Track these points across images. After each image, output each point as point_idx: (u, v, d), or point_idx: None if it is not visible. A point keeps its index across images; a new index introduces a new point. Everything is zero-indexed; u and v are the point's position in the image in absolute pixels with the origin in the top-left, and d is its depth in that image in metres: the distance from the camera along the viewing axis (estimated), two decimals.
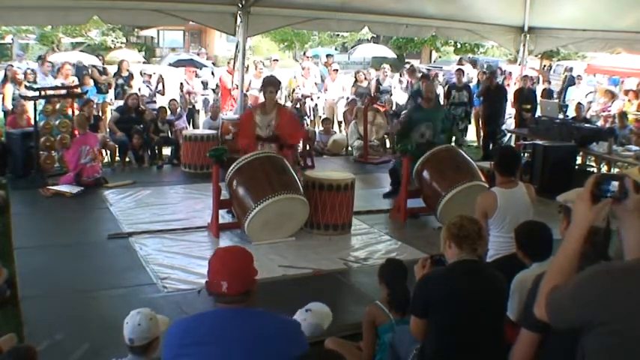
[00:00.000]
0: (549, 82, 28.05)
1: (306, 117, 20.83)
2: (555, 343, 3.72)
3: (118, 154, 16.23)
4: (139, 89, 19.04)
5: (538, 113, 19.10)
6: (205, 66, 31.03)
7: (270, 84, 11.86)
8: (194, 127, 19.21)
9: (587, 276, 2.97)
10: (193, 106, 20.51)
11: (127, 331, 5.18)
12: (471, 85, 23.12)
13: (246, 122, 11.93)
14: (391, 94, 22.40)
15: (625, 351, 2.81)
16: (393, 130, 17.42)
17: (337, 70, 23.25)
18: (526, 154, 15.60)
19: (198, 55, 38.57)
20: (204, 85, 22.86)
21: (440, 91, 21.07)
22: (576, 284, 2.99)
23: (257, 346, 3.88)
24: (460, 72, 21.28)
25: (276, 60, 24.72)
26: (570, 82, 27.27)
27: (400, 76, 24.65)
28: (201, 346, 3.85)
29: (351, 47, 55.46)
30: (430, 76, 22.67)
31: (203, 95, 21.96)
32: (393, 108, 20.79)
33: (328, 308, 6.13)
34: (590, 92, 25.32)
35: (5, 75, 17.97)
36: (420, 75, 22.79)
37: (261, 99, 12.94)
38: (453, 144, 14.00)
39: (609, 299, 2.81)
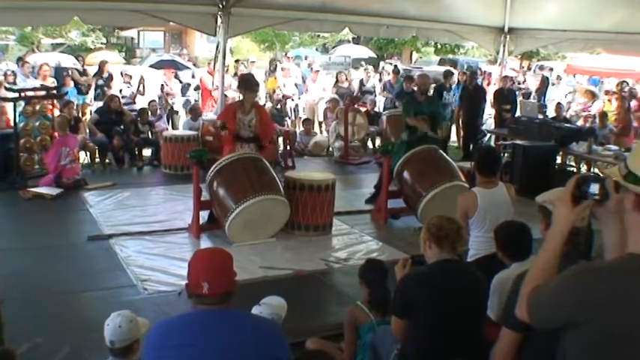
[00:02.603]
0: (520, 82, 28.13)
1: (286, 117, 20.86)
2: (536, 344, 3.73)
3: (98, 156, 16.15)
4: (120, 90, 19.00)
5: (518, 113, 19.16)
6: (187, 67, 30.99)
7: (255, 84, 11.88)
8: (173, 128, 19.15)
9: (569, 275, 2.96)
10: (172, 107, 20.47)
11: (107, 333, 5.16)
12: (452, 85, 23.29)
13: (231, 116, 11.60)
14: (375, 95, 22.50)
15: (606, 350, 2.81)
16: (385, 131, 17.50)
17: (318, 71, 23.32)
18: (506, 154, 15.64)
19: (179, 55, 38.49)
20: (185, 86, 22.87)
21: None
22: (558, 283, 2.99)
23: (238, 347, 3.88)
24: (448, 73, 21.36)
25: (253, 62, 24.71)
26: (547, 82, 27.40)
27: (380, 76, 24.75)
28: (182, 348, 3.84)
29: (332, 48, 55.45)
30: (412, 76, 22.68)
31: (185, 97, 21.98)
32: (375, 109, 20.86)
33: (281, 299, 6.13)
34: (570, 92, 25.41)
35: None
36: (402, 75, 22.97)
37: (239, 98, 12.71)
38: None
39: (591, 298, 2.80)
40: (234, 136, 11.33)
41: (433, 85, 21.13)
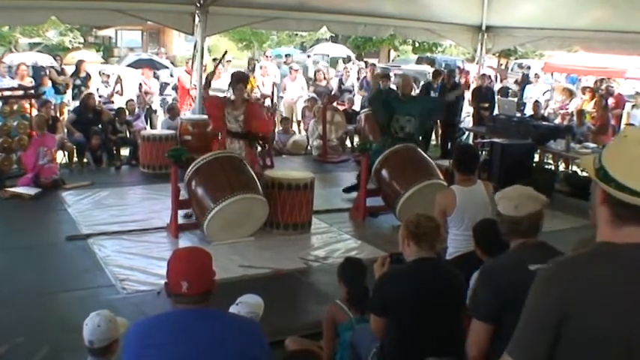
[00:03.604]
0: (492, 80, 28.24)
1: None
2: (510, 335, 3.70)
3: (75, 155, 16.08)
4: (97, 89, 18.94)
5: (496, 111, 19.21)
6: (165, 67, 30.91)
7: (240, 80, 11.97)
8: (152, 128, 19.10)
9: (541, 282, 2.91)
10: (150, 107, 20.41)
11: (86, 333, 5.14)
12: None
13: (217, 107, 11.91)
14: (353, 94, 22.52)
15: (593, 345, 2.76)
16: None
17: (298, 70, 23.30)
18: (484, 152, 15.66)
19: (157, 54, 38.37)
20: (163, 86, 22.80)
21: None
22: (532, 301, 2.91)
23: (218, 346, 3.87)
24: (437, 73, 21.39)
25: (229, 61, 24.60)
26: (527, 80, 27.52)
27: (358, 74, 24.77)
28: (162, 347, 3.83)
29: (310, 47, 55.47)
30: (388, 74, 22.74)
31: (163, 96, 21.92)
32: (353, 107, 20.90)
33: (258, 297, 6.12)
34: (548, 90, 25.51)
35: None
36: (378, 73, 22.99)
37: (230, 96, 12.82)
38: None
39: (574, 291, 2.75)
40: (225, 131, 11.62)
41: (422, 83, 21.27)
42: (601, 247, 2.80)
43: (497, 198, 4.84)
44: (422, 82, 23.98)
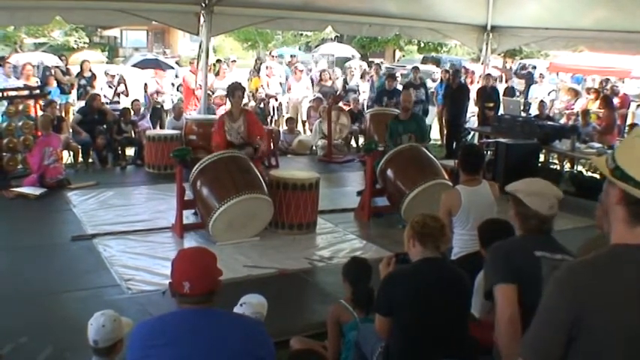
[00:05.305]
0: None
1: (269, 117, 20.93)
2: None
3: (81, 155, 16.08)
4: (101, 89, 18.94)
5: (501, 111, 19.20)
6: (171, 67, 30.92)
7: (237, 89, 12.22)
8: (161, 127, 19.07)
9: (555, 284, 2.89)
10: (162, 106, 20.41)
11: (91, 332, 5.15)
12: (435, 83, 23.31)
13: (219, 128, 12.17)
14: (358, 94, 22.52)
15: (596, 350, 2.76)
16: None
17: (302, 70, 23.29)
18: (489, 152, 15.63)
19: (164, 54, 38.41)
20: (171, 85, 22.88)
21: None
22: (546, 301, 2.91)
23: (221, 346, 3.87)
24: (416, 70, 21.46)
25: (234, 61, 24.59)
26: (531, 80, 27.51)
27: (362, 75, 24.76)
28: (166, 348, 3.83)
29: (315, 47, 55.43)
30: (394, 75, 22.76)
31: (170, 95, 21.96)
32: (358, 107, 20.89)
33: (261, 296, 6.12)
34: (553, 90, 25.48)
35: None
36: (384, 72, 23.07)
37: (227, 105, 12.94)
38: None
39: (586, 294, 2.75)
40: (227, 144, 11.70)
41: (403, 83, 21.31)
42: (615, 248, 2.80)
43: (526, 192, 4.82)
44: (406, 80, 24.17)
